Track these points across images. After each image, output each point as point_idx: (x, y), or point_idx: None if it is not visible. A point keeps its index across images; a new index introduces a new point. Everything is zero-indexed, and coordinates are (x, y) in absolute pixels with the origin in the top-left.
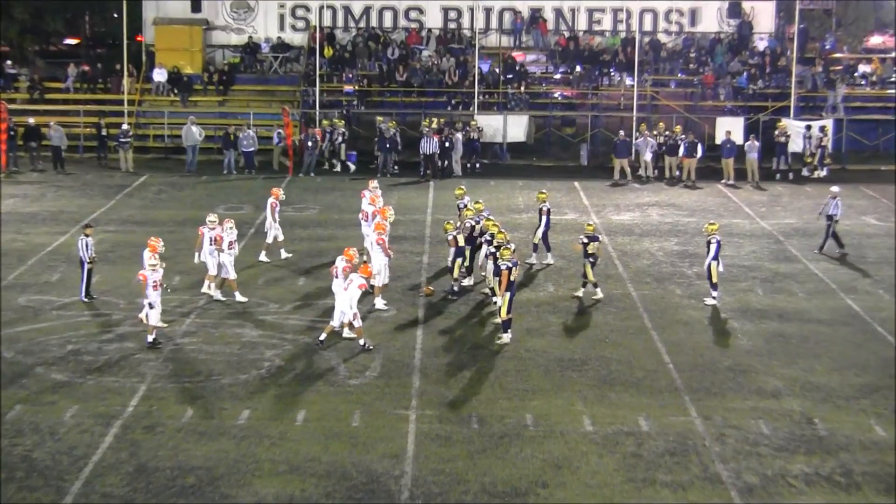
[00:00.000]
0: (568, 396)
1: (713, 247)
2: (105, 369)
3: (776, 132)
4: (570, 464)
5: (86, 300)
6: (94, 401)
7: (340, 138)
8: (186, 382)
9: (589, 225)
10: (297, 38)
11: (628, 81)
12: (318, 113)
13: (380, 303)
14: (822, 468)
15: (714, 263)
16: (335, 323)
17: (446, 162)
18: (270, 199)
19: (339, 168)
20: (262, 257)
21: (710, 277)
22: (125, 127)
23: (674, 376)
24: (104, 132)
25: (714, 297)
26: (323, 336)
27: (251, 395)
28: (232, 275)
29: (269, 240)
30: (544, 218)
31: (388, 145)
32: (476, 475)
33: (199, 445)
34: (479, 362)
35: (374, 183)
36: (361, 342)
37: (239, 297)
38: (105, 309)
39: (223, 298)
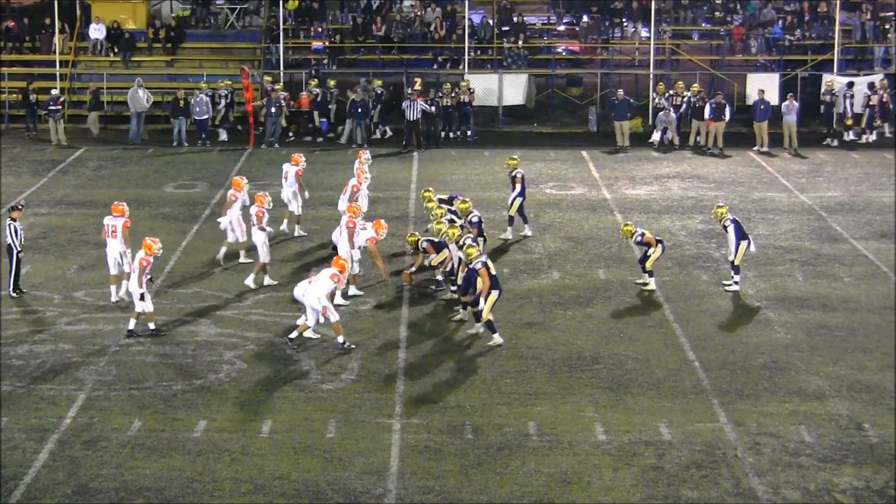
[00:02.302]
0: (577, 401)
1: (731, 230)
2: (38, 375)
3: (822, 90)
4: (580, 479)
5: (14, 295)
6: (26, 412)
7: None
8: (133, 389)
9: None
10: None
11: (644, 33)
12: (282, 74)
13: (339, 297)
14: (874, 481)
15: (744, 244)
16: (310, 322)
17: (432, 128)
18: (293, 168)
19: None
20: (299, 231)
21: (645, 262)
22: (55, 92)
23: (700, 376)
24: (33, 98)
25: (736, 282)
26: (294, 335)
27: (208, 403)
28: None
29: (296, 210)
30: (518, 186)
31: (359, 110)
32: (471, 493)
33: (148, 462)
34: (473, 363)
35: (366, 154)
36: (340, 340)
37: (268, 280)
38: (37, 305)
39: (273, 282)
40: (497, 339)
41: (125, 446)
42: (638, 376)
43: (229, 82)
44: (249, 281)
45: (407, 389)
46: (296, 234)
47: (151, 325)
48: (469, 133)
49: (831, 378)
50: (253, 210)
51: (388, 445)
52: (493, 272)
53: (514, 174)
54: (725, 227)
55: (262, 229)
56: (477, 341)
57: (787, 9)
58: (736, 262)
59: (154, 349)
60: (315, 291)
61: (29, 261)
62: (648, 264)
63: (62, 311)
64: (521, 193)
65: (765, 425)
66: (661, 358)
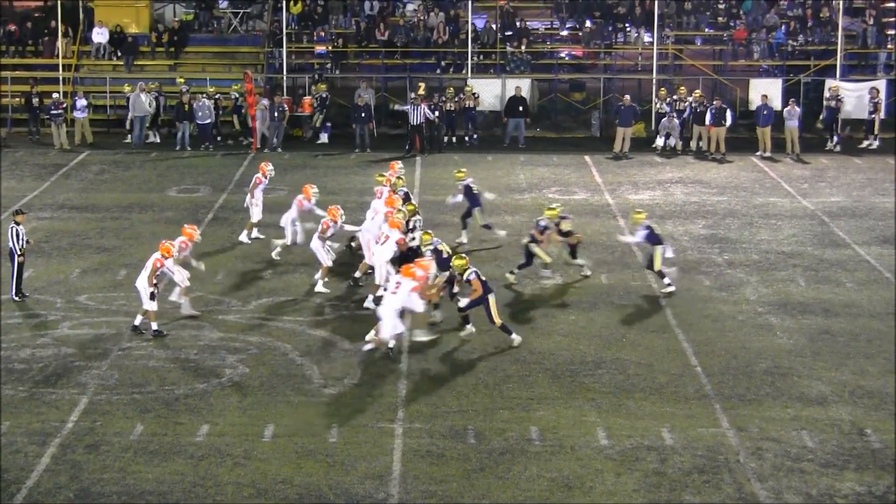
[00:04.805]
0: (579, 406)
1: (640, 233)
2: (40, 379)
3: (827, 95)
4: (583, 484)
5: (16, 299)
6: (28, 416)
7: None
8: (135, 393)
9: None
10: None
11: (647, 38)
12: (285, 78)
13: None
14: (876, 486)
15: (659, 249)
16: (382, 333)
17: (435, 133)
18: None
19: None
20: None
21: (652, 266)
22: (57, 96)
23: (702, 381)
24: (36, 102)
25: (669, 284)
26: (384, 346)
27: (210, 407)
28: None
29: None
30: (460, 197)
31: (363, 115)
32: (473, 498)
33: (150, 467)
34: (475, 367)
35: (398, 164)
36: (386, 343)
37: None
38: (39, 309)
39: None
40: (516, 338)
41: (127, 450)
42: (640, 381)
43: (237, 87)
44: (319, 286)
45: (409, 394)
46: (252, 237)
47: (154, 326)
48: (474, 137)
49: (833, 383)
50: (322, 219)
51: (391, 450)
52: (484, 278)
53: (465, 184)
54: (636, 234)
55: (323, 239)
56: (479, 346)
57: (790, 14)
58: (656, 269)
59: (156, 353)
60: (391, 304)
61: (31, 265)
62: (657, 265)
63: (64, 315)
64: (474, 203)
65: (767, 430)
66: (663, 363)
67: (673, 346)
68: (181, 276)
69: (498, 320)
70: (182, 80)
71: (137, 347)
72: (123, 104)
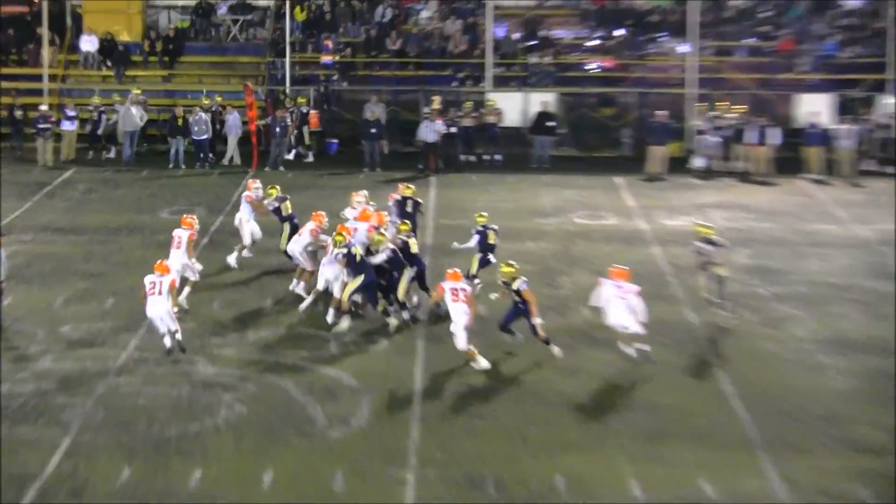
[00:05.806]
0: (609, 453)
1: (475, 239)
2: (19, 417)
3: (879, 112)
4: None
5: None
6: (5, 458)
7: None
8: (122, 434)
9: (706, 227)
10: None
11: (683, 49)
12: (288, 91)
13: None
14: None
15: (478, 256)
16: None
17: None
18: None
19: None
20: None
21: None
22: (44, 108)
23: (746, 427)
24: (19, 115)
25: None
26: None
27: (204, 450)
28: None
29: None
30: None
31: (373, 131)
32: None
33: None
34: (494, 408)
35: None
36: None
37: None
38: (18, 340)
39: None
40: (557, 350)
41: (113, 497)
42: (676, 426)
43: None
44: (300, 289)
45: (422, 437)
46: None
47: (179, 337)
48: (497, 158)
49: (892, 430)
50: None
51: (401, 499)
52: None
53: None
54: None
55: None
56: (502, 384)
57: (842, 23)
58: (472, 272)
59: (145, 390)
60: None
61: (11, 291)
62: (473, 269)
63: (46, 348)
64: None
65: (820, 482)
66: (702, 406)
67: (712, 388)
68: (194, 272)
69: (542, 333)
70: (138, 92)
71: (125, 384)
72: (110, 118)
